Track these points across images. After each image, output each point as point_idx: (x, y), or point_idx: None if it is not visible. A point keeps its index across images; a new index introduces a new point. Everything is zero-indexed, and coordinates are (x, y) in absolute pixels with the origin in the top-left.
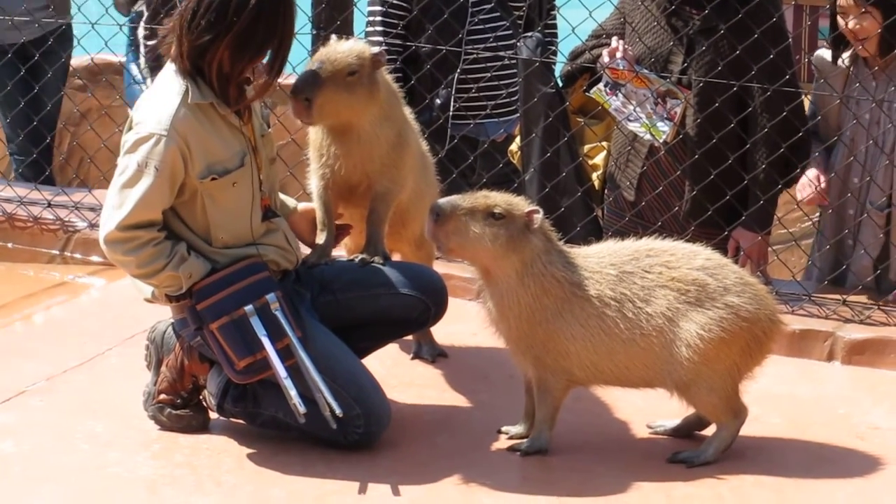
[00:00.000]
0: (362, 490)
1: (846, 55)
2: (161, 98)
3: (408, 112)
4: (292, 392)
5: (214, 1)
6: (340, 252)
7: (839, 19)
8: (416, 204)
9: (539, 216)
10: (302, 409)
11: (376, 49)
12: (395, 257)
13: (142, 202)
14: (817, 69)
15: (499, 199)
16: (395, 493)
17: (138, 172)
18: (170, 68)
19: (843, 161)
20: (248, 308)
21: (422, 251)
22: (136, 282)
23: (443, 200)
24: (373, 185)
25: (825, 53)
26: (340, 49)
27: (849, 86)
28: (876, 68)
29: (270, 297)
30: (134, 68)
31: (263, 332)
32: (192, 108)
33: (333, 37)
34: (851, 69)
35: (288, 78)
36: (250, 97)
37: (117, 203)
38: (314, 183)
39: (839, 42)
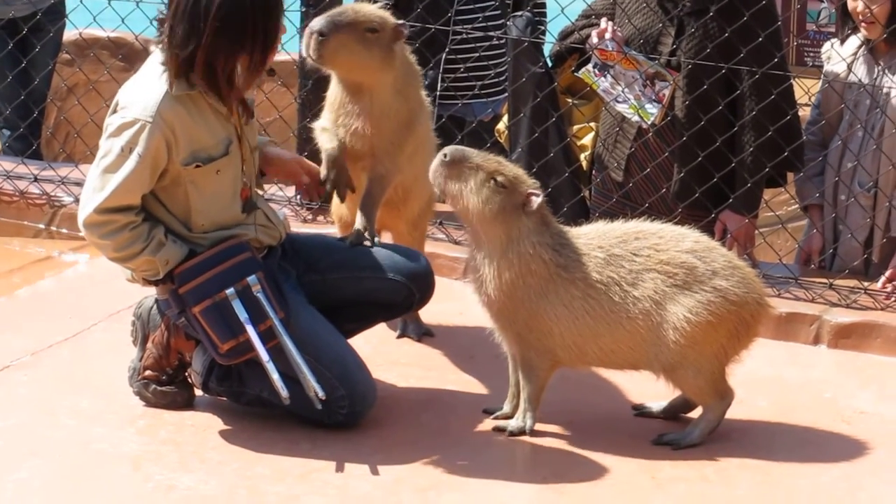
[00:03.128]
0: (346, 468)
1: (856, 38)
2: (148, 83)
3: (424, 95)
4: (274, 375)
5: (186, 9)
6: (330, 229)
7: (849, 0)
8: (419, 183)
9: (537, 200)
10: (284, 392)
11: (400, 22)
12: (388, 236)
13: (122, 186)
14: (826, 60)
15: (508, 169)
16: (380, 471)
17: (121, 157)
18: (157, 53)
19: (837, 148)
20: (230, 291)
21: (417, 231)
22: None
23: (458, 147)
24: (374, 163)
25: (837, 45)
26: (365, 6)
27: (852, 70)
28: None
29: (251, 278)
30: None
31: (245, 316)
32: (180, 95)
33: None
34: (861, 49)
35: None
36: (239, 89)
37: (98, 186)
38: (327, 142)
39: (846, 22)
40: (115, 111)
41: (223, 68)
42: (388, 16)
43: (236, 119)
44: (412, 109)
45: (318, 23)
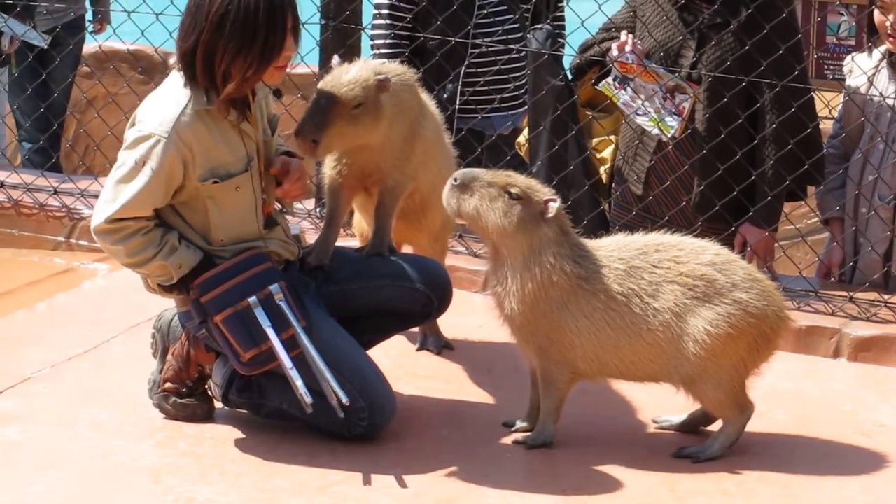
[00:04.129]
0: (366, 481)
1: (879, 51)
2: (167, 98)
3: (426, 99)
4: (298, 382)
5: (194, 2)
6: (351, 242)
7: (876, 14)
8: (436, 192)
9: (555, 205)
10: (308, 399)
11: (381, 76)
12: (410, 250)
13: (134, 199)
14: (847, 73)
15: (520, 180)
16: (400, 484)
17: (135, 170)
18: (177, 70)
19: (858, 161)
20: (252, 299)
21: (438, 243)
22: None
23: (466, 170)
24: (384, 177)
25: (857, 58)
26: (344, 81)
27: (874, 82)
28: None
29: (274, 287)
30: None
31: (268, 323)
32: (199, 112)
33: (336, 59)
34: (883, 62)
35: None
36: (231, 90)
37: (111, 197)
38: (328, 174)
39: (871, 35)
40: (133, 124)
41: (220, 67)
42: (366, 77)
43: (255, 134)
44: (412, 122)
45: (305, 129)
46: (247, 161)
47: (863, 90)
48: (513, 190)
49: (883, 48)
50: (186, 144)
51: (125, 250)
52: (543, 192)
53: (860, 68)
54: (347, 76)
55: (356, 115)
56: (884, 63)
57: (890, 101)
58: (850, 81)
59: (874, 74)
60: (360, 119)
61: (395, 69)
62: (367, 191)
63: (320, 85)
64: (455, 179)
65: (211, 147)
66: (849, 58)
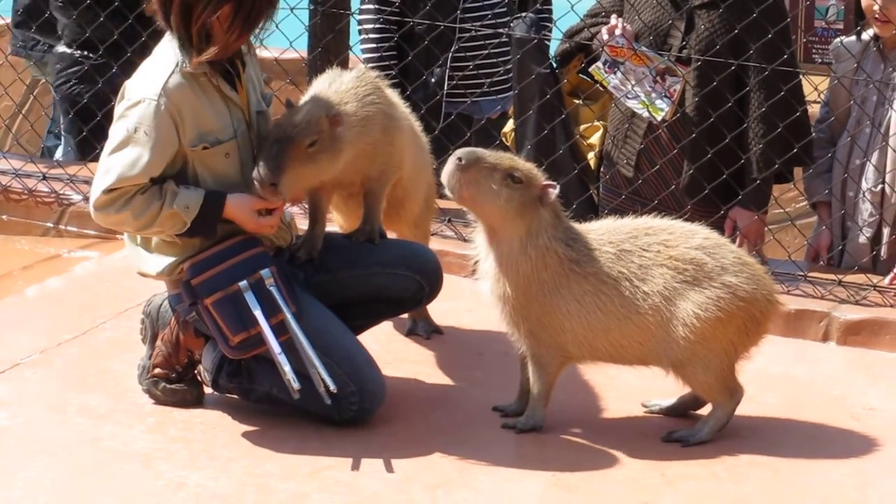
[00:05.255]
0: (356, 466)
1: (866, 35)
2: (154, 67)
3: (392, 97)
4: (286, 368)
5: None
6: (336, 227)
7: None
8: (412, 184)
9: (554, 191)
10: (296, 385)
11: (333, 112)
12: (392, 235)
13: (130, 167)
14: (835, 57)
15: (521, 164)
16: (389, 468)
17: (127, 138)
18: (165, 39)
19: (845, 145)
20: (243, 283)
21: (419, 230)
22: (132, 253)
23: (469, 150)
24: (367, 173)
25: (844, 41)
26: (295, 123)
27: (861, 67)
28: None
29: (265, 272)
30: None
31: (258, 308)
32: (186, 77)
33: (288, 102)
34: (870, 46)
35: (284, 53)
36: (212, 54)
37: (105, 169)
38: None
39: (858, 19)
40: (122, 97)
41: (199, 17)
42: (318, 116)
43: (244, 103)
44: (381, 122)
45: (263, 176)
46: (235, 128)
47: (850, 74)
48: (517, 174)
49: (870, 31)
50: (176, 106)
51: (131, 214)
52: (541, 177)
53: (849, 51)
54: (298, 116)
55: (312, 153)
56: (871, 46)
57: (877, 85)
58: (837, 65)
59: (861, 58)
60: (318, 157)
61: (351, 81)
62: (343, 190)
63: (271, 127)
64: (460, 159)
65: (199, 111)
66: (835, 41)
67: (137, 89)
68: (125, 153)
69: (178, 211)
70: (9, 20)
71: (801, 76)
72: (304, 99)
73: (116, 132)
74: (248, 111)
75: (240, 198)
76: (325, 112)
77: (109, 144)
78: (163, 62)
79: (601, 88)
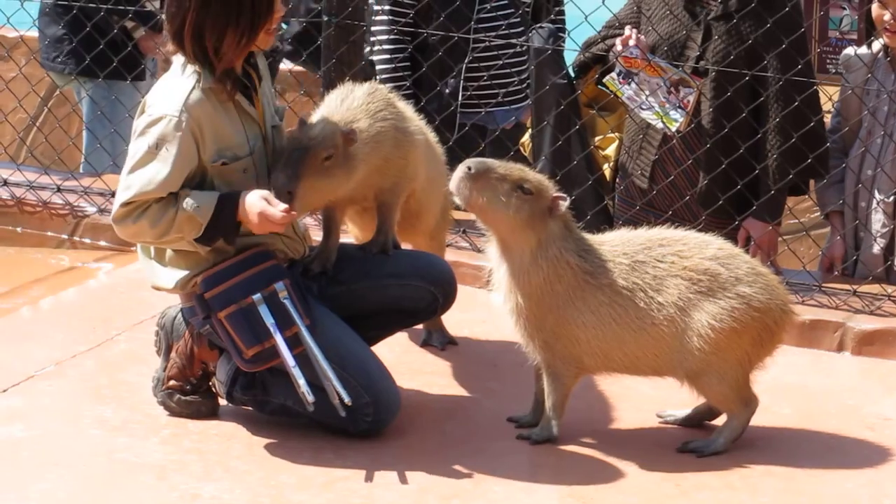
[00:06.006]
0: (370, 477)
1: (876, 45)
2: (174, 82)
3: (405, 110)
4: (301, 381)
5: None
6: (351, 238)
7: (874, 7)
8: (427, 196)
9: (564, 203)
10: (310, 397)
11: (347, 130)
12: (408, 246)
13: (149, 182)
14: (845, 67)
15: (531, 175)
16: (404, 480)
17: (149, 154)
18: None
19: (858, 155)
20: (256, 296)
21: (434, 241)
22: (146, 267)
23: (479, 159)
24: (380, 186)
25: (852, 52)
26: (312, 136)
27: (871, 77)
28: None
29: (279, 285)
30: None
31: (271, 321)
32: (206, 92)
33: (302, 118)
34: (879, 57)
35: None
36: (224, 63)
37: (124, 186)
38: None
39: (871, 30)
40: (142, 112)
41: (211, 41)
42: (332, 131)
43: (260, 118)
44: (393, 138)
45: (280, 183)
46: (253, 144)
47: (860, 83)
48: (526, 185)
49: (881, 42)
50: (196, 122)
51: (148, 223)
52: (552, 188)
53: (862, 61)
54: (314, 131)
55: (328, 167)
56: (881, 56)
57: (890, 95)
58: (848, 76)
59: (872, 68)
60: (333, 172)
61: (363, 97)
62: (356, 204)
63: (286, 141)
64: (469, 168)
65: (218, 127)
66: (845, 52)
67: (158, 105)
68: (145, 170)
69: (191, 211)
70: (23, 32)
71: (816, 86)
72: (315, 115)
73: (137, 149)
74: (265, 126)
75: (254, 195)
76: (338, 129)
77: (130, 161)
78: (183, 78)
79: (616, 99)
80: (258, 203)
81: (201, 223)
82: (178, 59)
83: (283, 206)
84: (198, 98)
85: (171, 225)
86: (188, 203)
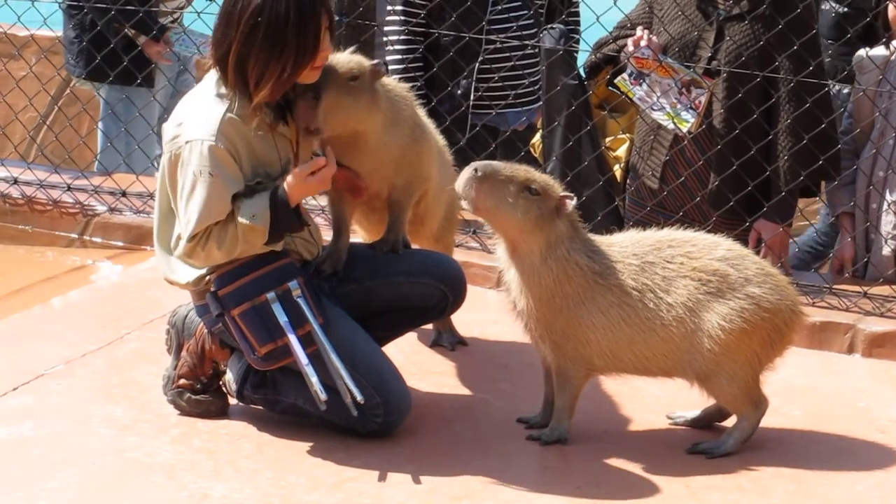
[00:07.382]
0: (381, 477)
1: (893, 44)
2: (207, 101)
3: (421, 113)
4: (313, 379)
5: (226, 9)
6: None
7: (892, 8)
8: (435, 201)
9: (571, 203)
10: (323, 395)
11: (376, 62)
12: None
13: (205, 210)
14: (857, 68)
15: (537, 176)
16: (414, 480)
17: (194, 181)
18: (212, 74)
19: (869, 156)
20: (270, 294)
21: (440, 244)
22: (162, 260)
23: (486, 162)
24: (393, 182)
25: (864, 53)
26: (339, 57)
27: (884, 79)
28: None
29: (292, 283)
30: None
31: (285, 319)
32: (241, 116)
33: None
34: (892, 59)
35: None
36: (262, 96)
37: (185, 220)
38: (329, 191)
39: (886, 30)
40: (174, 133)
41: (254, 75)
42: (360, 59)
43: (293, 135)
44: (411, 131)
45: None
46: (285, 162)
47: (873, 85)
48: (533, 186)
49: (894, 43)
50: (233, 144)
51: (215, 246)
52: (558, 188)
53: (874, 63)
54: (342, 56)
55: (353, 87)
56: (894, 58)
57: None
58: (861, 77)
59: (885, 69)
60: (357, 94)
61: (389, 82)
62: (367, 204)
63: None
64: (476, 171)
65: (253, 148)
66: (858, 53)
67: (194, 129)
68: (197, 199)
69: (246, 219)
70: (34, 30)
71: (828, 88)
72: None
73: (185, 179)
74: (296, 143)
75: (290, 177)
76: (367, 60)
77: (181, 194)
78: (215, 100)
79: (627, 100)
80: (297, 174)
81: (264, 229)
82: (207, 79)
83: (316, 158)
84: (232, 118)
85: (236, 241)
86: (244, 215)
